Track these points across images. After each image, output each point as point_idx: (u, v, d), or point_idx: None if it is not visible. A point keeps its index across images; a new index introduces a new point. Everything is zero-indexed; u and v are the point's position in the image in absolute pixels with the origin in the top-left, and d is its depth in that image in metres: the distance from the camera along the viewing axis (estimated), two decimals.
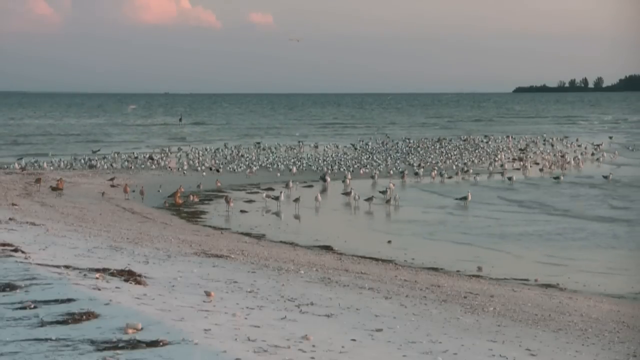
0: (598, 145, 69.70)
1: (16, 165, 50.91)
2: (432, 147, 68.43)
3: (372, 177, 47.55)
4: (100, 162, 53.77)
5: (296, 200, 35.74)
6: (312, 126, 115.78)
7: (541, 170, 53.18)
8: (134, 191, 38.38)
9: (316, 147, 70.66)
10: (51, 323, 9.13)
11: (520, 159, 58.47)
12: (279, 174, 48.86)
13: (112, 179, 42.91)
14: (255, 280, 14.83)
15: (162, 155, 60.09)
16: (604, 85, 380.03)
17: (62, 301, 10.07)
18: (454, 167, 53.43)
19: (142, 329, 8.76)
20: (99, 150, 66.17)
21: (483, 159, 59.63)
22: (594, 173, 51.69)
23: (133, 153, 61.93)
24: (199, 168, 51.31)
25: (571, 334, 13.98)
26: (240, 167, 51.45)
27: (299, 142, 75.00)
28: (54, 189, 36.65)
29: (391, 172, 50.16)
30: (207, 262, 17.27)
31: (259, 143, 73.66)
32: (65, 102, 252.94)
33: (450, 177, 48.25)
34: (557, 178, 47.37)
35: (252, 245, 24.28)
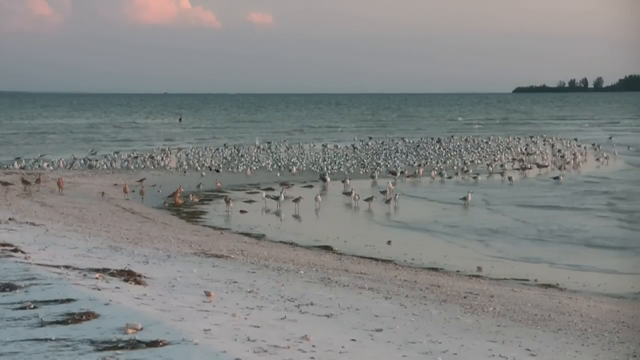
0: (598, 146, 69.76)
1: (16, 165, 50.96)
2: (432, 147, 68.41)
3: (372, 177, 47.59)
4: (100, 162, 53.76)
5: (296, 200, 35.70)
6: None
7: (539, 167, 53.28)
8: (133, 191, 38.35)
9: (325, 146, 70.41)
10: (51, 323, 9.12)
11: (520, 160, 58.50)
12: (279, 174, 48.86)
13: (141, 180, 42.82)
14: (255, 280, 14.82)
15: (162, 155, 60.07)
16: (604, 85, 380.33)
17: (62, 301, 10.06)
18: (454, 167, 53.45)
19: (142, 329, 8.75)
20: (95, 152, 66.03)
21: (483, 158, 59.61)
22: (593, 173, 51.72)
23: (133, 153, 61.95)
24: (199, 168, 51.30)
25: (571, 334, 13.97)
26: (240, 167, 51.46)
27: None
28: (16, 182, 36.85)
29: (389, 173, 50.11)
30: (207, 262, 17.26)
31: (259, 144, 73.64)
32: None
33: (450, 177, 48.26)
34: (556, 178, 47.36)
35: (252, 246, 24.28)
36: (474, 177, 47.84)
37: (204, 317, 9.87)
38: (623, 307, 18.69)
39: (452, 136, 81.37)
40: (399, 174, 48.33)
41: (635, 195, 41.12)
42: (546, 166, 54.02)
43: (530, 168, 53.16)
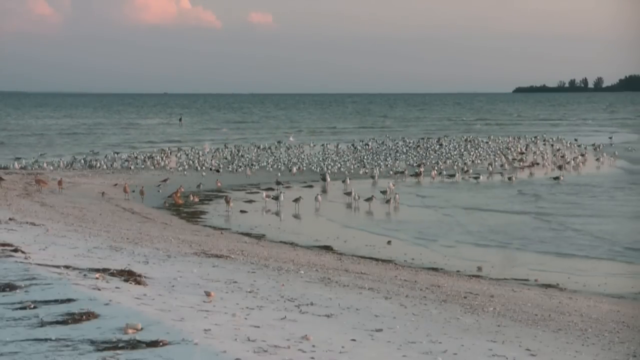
0: (598, 146, 69.75)
1: (16, 165, 50.96)
2: (432, 147, 68.37)
3: (372, 177, 47.57)
4: (100, 162, 53.75)
5: (296, 200, 35.69)
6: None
7: (536, 165, 53.32)
8: (133, 191, 38.35)
9: (337, 146, 70.19)
10: (51, 323, 9.12)
11: (521, 160, 58.49)
12: (279, 174, 48.84)
13: (165, 180, 42.94)
14: (255, 280, 14.82)
15: (162, 155, 60.05)
16: (604, 85, 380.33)
17: (62, 301, 10.06)
18: (454, 167, 53.43)
19: (142, 329, 8.76)
20: (96, 152, 65.93)
21: (483, 159, 59.58)
22: (593, 173, 51.70)
23: (133, 153, 61.95)
24: (199, 168, 51.29)
25: (571, 334, 13.97)
26: (241, 167, 51.44)
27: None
28: None
29: (391, 172, 50.15)
30: (207, 262, 17.26)
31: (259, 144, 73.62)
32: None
33: (450, 177, 48.25)
34: (556, 178, 47.34)
35: (252, 245, 24.27)
36: (475, 177, 47.82)
37: (204, 317, 9.87)
38: (623, 307, 18.69)
39: (446, 136, 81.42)
40: (399, 174, 48.31)
41: (636, 195, 41.11)
42: (537, 164, 54.11)
43: (530, 166, 53.23)
